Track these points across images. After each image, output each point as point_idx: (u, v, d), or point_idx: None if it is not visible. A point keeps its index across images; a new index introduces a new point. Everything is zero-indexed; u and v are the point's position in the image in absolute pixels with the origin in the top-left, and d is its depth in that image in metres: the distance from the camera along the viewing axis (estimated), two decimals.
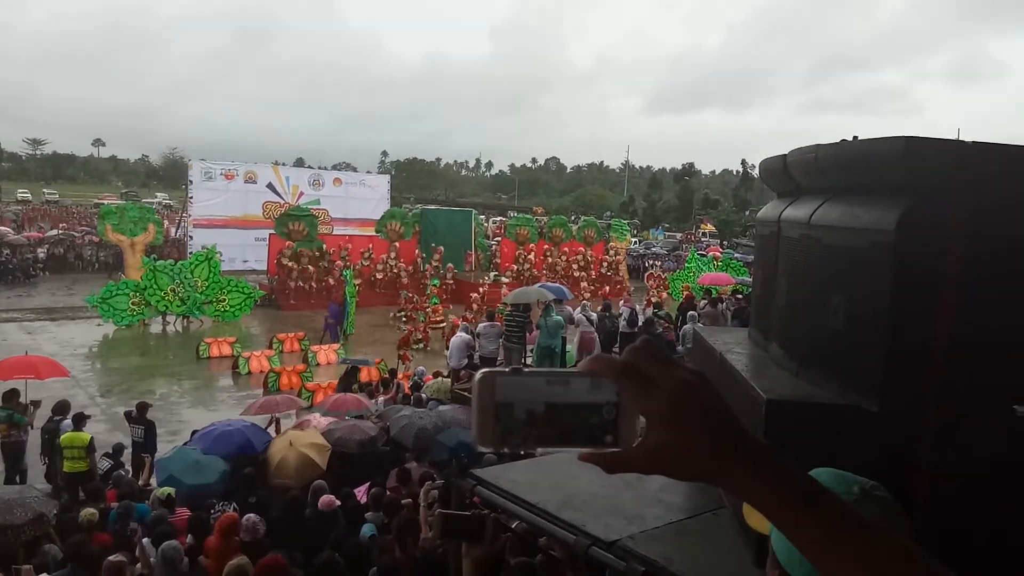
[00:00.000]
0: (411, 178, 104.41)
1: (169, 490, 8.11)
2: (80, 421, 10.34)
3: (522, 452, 0.72)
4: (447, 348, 14.84)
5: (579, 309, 14.99)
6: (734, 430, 0.68)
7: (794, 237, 2.04)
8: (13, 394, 10.81)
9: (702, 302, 15.76)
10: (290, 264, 25.74)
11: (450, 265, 27.70)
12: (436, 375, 13.71)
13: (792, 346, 2.01)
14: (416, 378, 13.48)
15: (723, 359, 2.22)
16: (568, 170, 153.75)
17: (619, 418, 0.69)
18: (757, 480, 0.66)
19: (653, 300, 20.99)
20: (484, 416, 0.69)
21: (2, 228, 36.68)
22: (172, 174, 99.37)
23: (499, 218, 57.12)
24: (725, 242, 51.62)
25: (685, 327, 13.39)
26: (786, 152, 2.23)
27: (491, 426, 0.69)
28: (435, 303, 20.89)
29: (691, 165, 77.10)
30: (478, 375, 0.70)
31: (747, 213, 64.19)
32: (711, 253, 37.56)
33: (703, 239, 53.60)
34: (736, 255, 38.63)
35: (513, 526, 2.24)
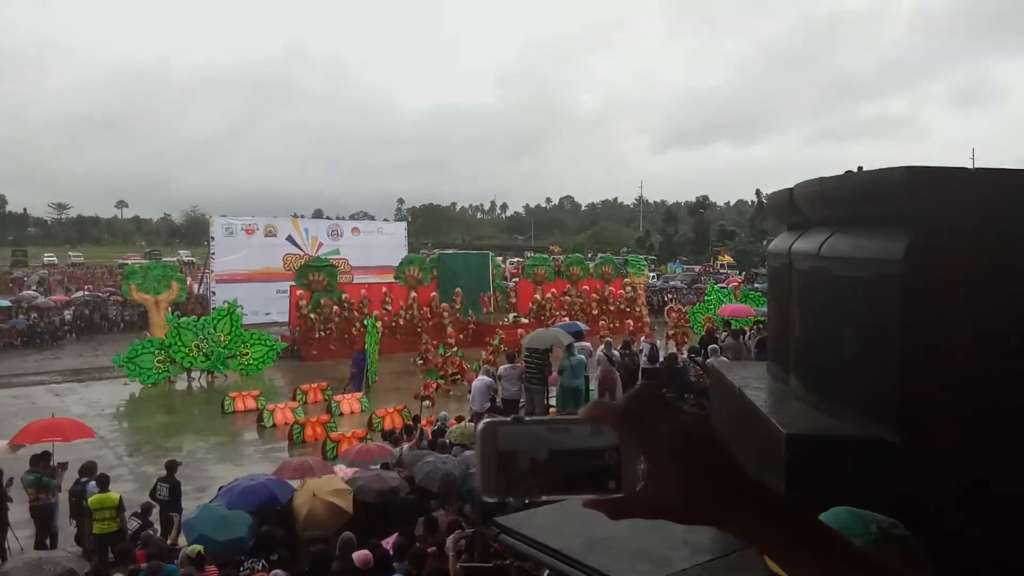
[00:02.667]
0: (428, 224, 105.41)
1: (198, 548, 8.10)
2: (104, 483, 10.38)
3: (526, 501, 0.73)
4: (470, 392, 14.81)
5: (601, 347, 14.94)
6: (736, 473, 0.69)
7: (805, 269, 2.05)
8: (43, 457, 10.90)
9: (723, 334, 15.64)
10: (311, 315, 25.94)
11: (471, 312, 27.85)
12: (459, 420, 13.65)
13: (810, 378, 2.00)
14: (440, 423, 13.43)
15: (742, 395, 2.21)
16: (583, 208, 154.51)
17: (621, 463, 0.70)
18: (759, 523, 0.67)
19: (684, 342, 20.79)
20: (488, 466, 0.70)
21: (29, 292, 37.44)
22: (194, 231, 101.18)
23: (516, 259, 57.41)
24: (743, 272, 51.35)
25: (708, 360, 13.28)
26: (792, 186, 2.25)
27: (495, 476, 0.70)
28: (458, 355, 20.88)
29: (705, 198, 77.25)
30: (480, 426, 0.72)
31: (764, 243, 63.98)
32: (730, 284, 37.33)
33: (721, 271, 53.39)
34: (756, 285, 38.43)
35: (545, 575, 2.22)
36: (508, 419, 0.72)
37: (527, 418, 0.72)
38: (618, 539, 2.16)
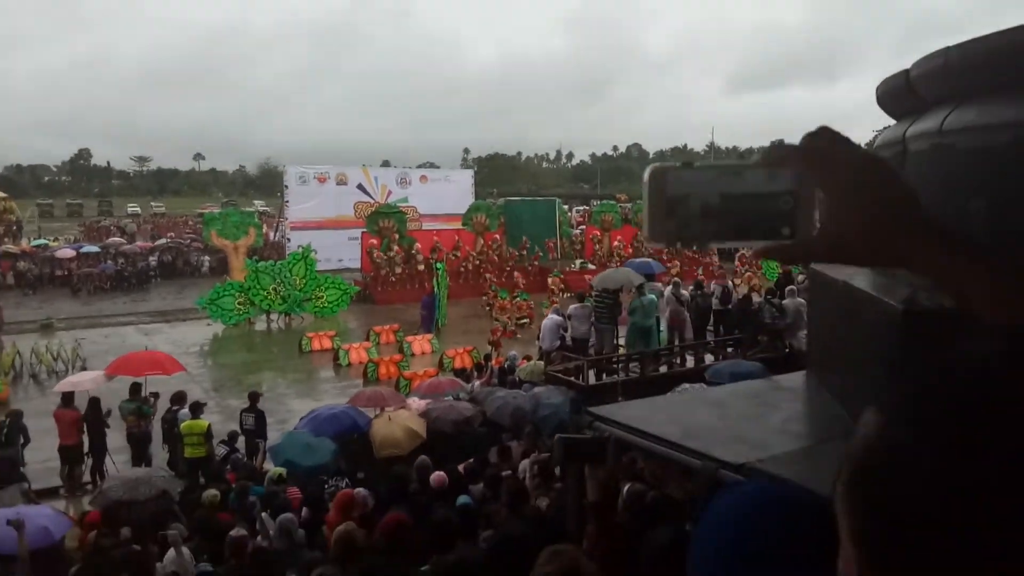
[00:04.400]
0: (493, 173, 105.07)
1: (280, 470, 8.50)
2: (197, 409, 10.96)
3: (695, 247, 0.71)
4: (539, 333, 14.89)
5: (670, 287, 14.74)
6: (919, 209, 0.66)
7: (924, 149, 1.94)
8: (137, 388, 11.55)
9: (800, 276, 15.19)
10: (380, 258, 26.41)
11: (536, 250, 27.90)
12: (528, 359, 13.78)
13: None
14: (509, 362, 13.59)
15: (847, 284, 2.14)
16: (651, 156, 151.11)
17: (796, 208, 0.67)
18: (943, 255, 0.64)
19: (757, 287, 20.35)
20: (656, 211, 0.68)
21: (116, 239, 39.20)
22: (267, 182, 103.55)
23: (583, 207, 56.81)
24: None
25: (786, 302, 12.95)
26: (907, 67, 2.12)
27: (663, 221, 0.68)
28: (524, 298, 20.98)
29: (781, 141, 74.36)
30: (649, 170, 0.69)
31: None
32: None
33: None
34: None
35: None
36: (678, 163, 0.69)
37: (698, 162, 0.69)
38: (713, 428, 2.15)
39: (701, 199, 0.68)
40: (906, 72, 2.13)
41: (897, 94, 2.24)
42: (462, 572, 2.80)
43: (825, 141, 0.67)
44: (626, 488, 3.27)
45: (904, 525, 0.41)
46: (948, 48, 1.89)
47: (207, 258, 34.35)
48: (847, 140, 0.67)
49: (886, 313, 1.76)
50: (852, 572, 0.47)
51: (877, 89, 2.43)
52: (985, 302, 0.62)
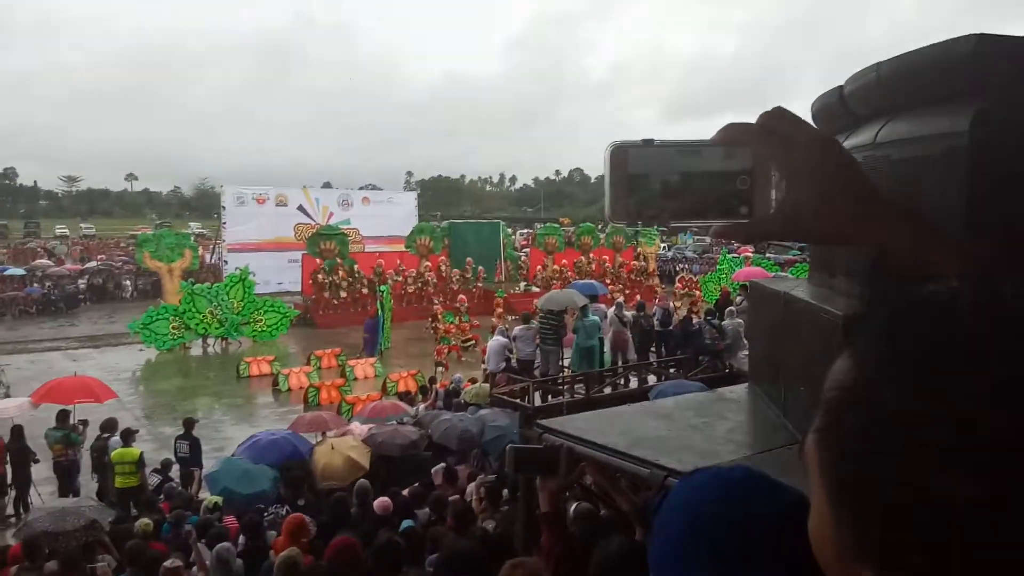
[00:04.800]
0: (437, 195, 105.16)
1: (216, 499, 8.22)
2: (128, 437, 10.54)
3: (655, 225, 0.71)
4: (483, 355, 14.84)
5: (612, 308, 14.91)
6: (870, 184, 0.68)
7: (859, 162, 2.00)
8: (64, 415, 11.05)
9: (738, 298, 15.55)
10: (325, 280, 26.01)
11: (481, 269, 27.92)
12: (473, 381, 13.71)
13: (863, 272, 1.97)
14: (454, 385, 13.49)
15: (787, 295, 2.19)
16: (593, 180, 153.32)
17: (753, 187, 0.68)
18: (893, 228, 0.65)
19: (696, 309, 20.74)
20: (617, 188, 0.68)
21: (43, 261, 37.67)
22: (204, 204, 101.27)
23: (526, 230, 57.18)
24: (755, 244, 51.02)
25: (725, 322, 13.23)
26: (841, 84, 2.20)
27: (624, 199, 0.68)
28: (467, 320, 20.93)
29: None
30: (610, 146, 0.69)
31: None
32: (742, 253, 37.14)
33: (733, 241, 53.02)
34: (769, 255, 38.18)
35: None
36: (638, 140, 0.69)
37: (658, 140, 0.69)
38: (661, 438, 2.16)
39: (661, 177, 0.68)
40: (840, 88, 2.21)
41: (832, 110, 2.32)
42: None
43: (780, 120, 0.68)
44: (573, 507, 3.26)
45: (880, 464, 0.41)
46: (879, 63, 1.97)
47: (135, 282, 33.31)
48: (800, 119, 0.69)
49: (826, 323, 1.80)
50: (825, 532, 0.47)
51: (812, 106, 2.51)
52: (939, 264, 0.63)
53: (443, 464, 8.67)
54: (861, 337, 0.45)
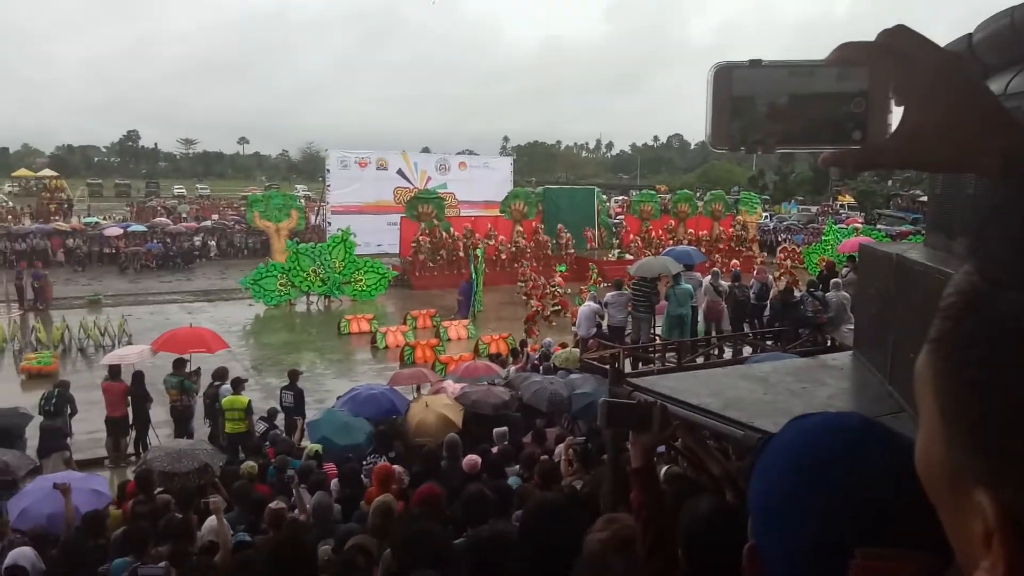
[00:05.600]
0: (532, 161, 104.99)
1: (316, 447, 8.61)
2: (238, 385, 11.16)
3: (760, 152, 0.68)
4: (574, 320, 14.83)
5: (708, 277, 14.55)
6: (1002, 107, 0.63)
7: None
8: (181, 363, 11.81)
9: (844, 269, 14.84)
10: (424, 238, 26.49)
11: (568, 236, 27.79)
12: (563, 346, 13.75)
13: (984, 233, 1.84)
14: (545, 348, 13.57)
15: (900, 258, 2.07)
16: (692, 147, 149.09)
17: (869, 111, 0.64)
18: (1012, 168, 0.60)
19: (796, 282, 20.00)
20: (720, 112, 0.65)
21: (162, 219, 40.08)
22: (309, 167, 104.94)
23: (621, 197, 56.38)
24: (865, 213, 48.46)
25: (829, 294, 12.67)
26: (971, 31, 2.04)
27: (727, 122, 0.65)
28: (562, 270, 21.06)
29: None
30: (714, 67, 0.65)
31: (889, 182, 59.94)
32: (851, 224, 35.40)
33: (841, 211, 50.61)
34: (880, 226, 36.22)
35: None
36: (745, 61, 0.66)
37: (766, 60, 0.66)
38: (756, 400, 2.11)
39: (768, 100, 0.64)
40: (969, 36, 2.05)
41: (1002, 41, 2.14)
42: (497, 544, 2.79)
43: (901, 38, 0.64)
44: (664, 469, 3.24)
45: (1004, 369, 0.38)
46: (1014, 7, 1.80)
47: (246, 240, 34.98)
48: (924, 37, 0.64)
49: (943, 285, 1.69)
50: (935, 454, 0.44)
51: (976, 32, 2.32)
52: None
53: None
54: (991, 237, 0.42)
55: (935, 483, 0.45)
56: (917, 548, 0.70)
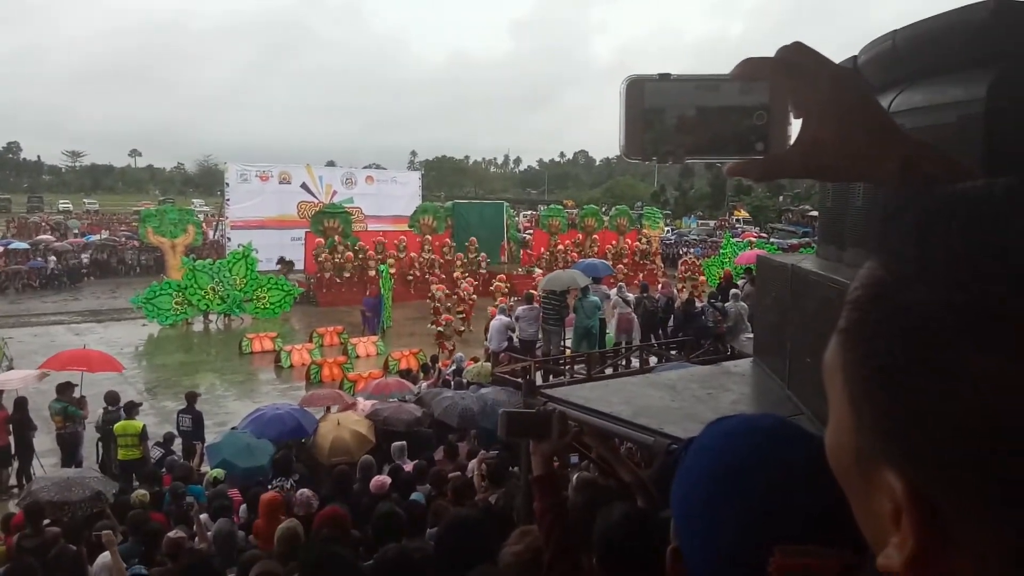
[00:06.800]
0: (440, 176, 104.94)
1: (217, 472, 8.24)
2: (132, 410, 10.59)
3: (670, 162, 0.70)
4: (486, 334, 14.85)
5: (615, 291, 14.90)
6: (891, 123, 0.67)
7: None
8: (67, 387, 11.06)
9: (741, 281, 15.52)
10: (327, 257, 25.94)
11: (483, 255, 27.73)
12: (474, 360, 13.73)
13: (875, 240, 1.96)
14: (456, 364, 13.51)
15: (795, 268, 2.17)
16: (597, 163, 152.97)
17: (770, 123, 0.67)
18: (909, 173, 0.65)
19: (699, 293, 20.68)
20: (632, 124, 0.67)
21: (46, 236, 37.70)
22: (207, 181, 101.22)
23: (529, 212, 57.04)
24: (759, 227, 50.90)
25: (728, 305, 13.20)
26: (855, 54, 2.17)
27: (640, 133, 0.67)
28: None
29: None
30: (626, 80, 0.67)
31: (780, 198, 63.27)
32: (746, 238, 37.08)
33: (737, 225, 52.95)
34: (773, 240, 38.08)
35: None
36: (655, 75, 0.68)
37: (675, 74, 0.68)
38: (665, 408, 2.15)
39: (677, 112, 0.67)
40: (854, 58, 2.18)
41: None
42: (408, 563, 2.73)
43: (798, 54, 0.67)
44: (575, 476, 3.27)
45: (910, 353, 0.40)
46: (895, 31, 1.94)
47: (138, 257, 33.36)
48: (819, 53, 0.68)
49: (834, 293, 1.79)
50: (844, 440, 0.46)
51: None
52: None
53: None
54: (893, 233, 0.44)
55: (845, 470, 0.47)
56: (833, 544, 0.73)
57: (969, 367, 0.38)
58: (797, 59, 0.67)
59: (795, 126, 0.68)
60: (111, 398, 11.01)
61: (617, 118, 0.68)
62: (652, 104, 0.67)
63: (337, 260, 26.02)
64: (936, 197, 0.43)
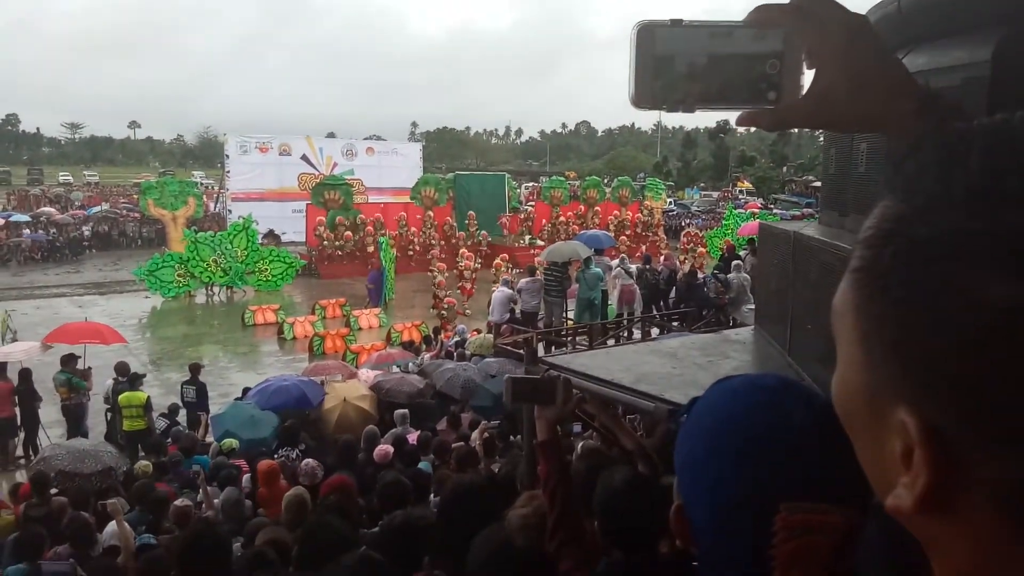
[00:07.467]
0: (442, 147, 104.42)
1: (232, 443, 8.27)
2: (136, 381, 10.64)
3: (680, 111, 0.69)
4: (488, 306, 14.87)
5: (616, 262, 14.88)
6: (904, 71, 0.66)
7: None
8: (71, 358, 11.11)
9: (743, 252, 15.49)
10: (327, 233, 25.90)
11: (484, 232, 27.59)
12: (477, 332, 13.77)
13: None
14: (458, 336, 13.56)
15: (798, 235, 2.17)
16: (599, 133, 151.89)
17: (783, 71, 0.66)
18: (919, 121, 0.64)
19: (701, 265, 20.58)
20: (643, 71, 0.65)
21: (47, 208, 37.64)
22: (207, 152, 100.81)
23: (531, 183, 56.81)
24: (762, 198, 50.68)
25: (730, 276, 13.18)
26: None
27: (650, 82, 0.66)
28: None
29: (725, 123, 75.37)
30: (636, 26, 0.66)
31: (784, 169, 62.87)
32: (749, 209, 36.94)
33: (740, 196, 52.73)
34: (776, 211, 37.95)
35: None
36: (667, 20, 0.66)
37: (687, 20, 0.67)
38: (666, 374, 2.17)
39: (689, 59, 0.66)
40: None
41: None
42: (412, 530, 2.77)
43: (815, 2, 0.66)
44: (580, 445, 3.30)
45: (925, 287, 0.40)
46: None
47: (140, 229, 33.32)
48: (835, 2, 0.67)
49: (836, 259, 1.79)
50: (854, 380, 0.46)
51: None
52: None
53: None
54: (911, 168, 0.44)
55: (854, 412, 0.47)
56: (835, 500, 0.73)
57: (989, 293, 0.38)
58: (811, 6, 0.66)
59: (808, 75, 0.67)
60: (121, 369, 11.04)
61: (627, 65, 0.67)
62: (663, 51, 0.65)
63: (337, 242, 25.94)
64: (954, 130, 0.43)
